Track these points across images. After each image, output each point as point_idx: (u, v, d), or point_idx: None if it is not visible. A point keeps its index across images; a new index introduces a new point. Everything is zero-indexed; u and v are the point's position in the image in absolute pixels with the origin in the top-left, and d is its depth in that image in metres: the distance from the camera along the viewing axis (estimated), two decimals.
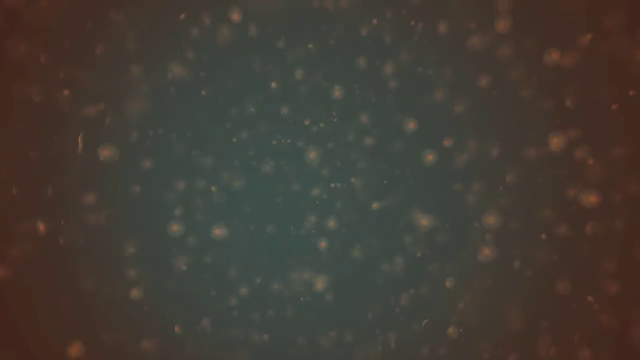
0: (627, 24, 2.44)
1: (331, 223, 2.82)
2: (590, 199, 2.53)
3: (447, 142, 2.69)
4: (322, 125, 2.80)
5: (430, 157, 2.70)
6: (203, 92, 2.78)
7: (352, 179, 2.82)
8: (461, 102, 2.68)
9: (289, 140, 2.81)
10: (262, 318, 2.83)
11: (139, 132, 2.78)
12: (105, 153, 2.71)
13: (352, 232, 2.83)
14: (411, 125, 2.72)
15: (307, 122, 2.81)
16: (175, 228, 2.80)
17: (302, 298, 2.83)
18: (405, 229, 2.79)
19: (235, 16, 2.73)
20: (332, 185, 2.82)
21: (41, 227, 2.70)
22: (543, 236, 2.63)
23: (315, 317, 2.84)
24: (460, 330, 2.68)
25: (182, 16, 2.71)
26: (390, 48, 2.69)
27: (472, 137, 2.70)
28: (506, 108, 2.64)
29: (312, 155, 2.79)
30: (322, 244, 2.83)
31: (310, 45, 2.75)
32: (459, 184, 2.73)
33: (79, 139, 2.69)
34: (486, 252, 2.69)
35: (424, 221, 2.74)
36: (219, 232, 2.82)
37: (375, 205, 2.81)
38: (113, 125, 2.75)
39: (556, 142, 2.57)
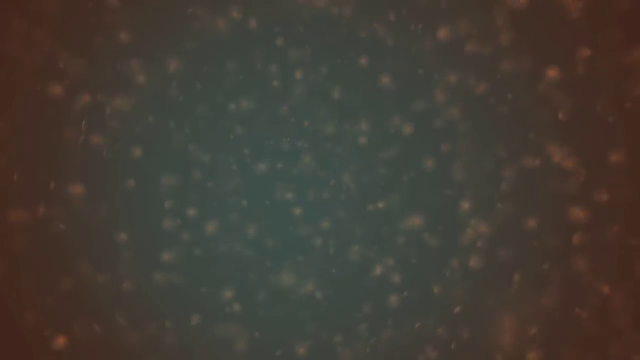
0: (624, 39, 2.48)
1: (325, 223, 2.84)
2: (579, 213, 2.57)
3: (444, 147, 2.72)
4: (320, 125, 2.82)
5: (427, 163, 2.73)
6: (199, 86, 2.79)
7: (348, 181, 2.83)
8: (459, 109, 2.70)
9: (288, 139, 2.83)
10: (253, 316, 2.83)
11: (136, 124, 2.78)
12: (100, 142, 2.72)
13: (345, 234, 2.84)
14: (408, 129, 2.74)
15: (305, 123, 2.82)
16: (169, 223, 2.81)
17: (293, 297, 2.84)
18: (397, 232, 2.81)
19: (235, 13, 2.75)
20: (325, 186, 2.84)
21: (32, 216, 2.70)
22: (534, 244, 2.66)
23: (304, 317, 2.84)
24: (450, 335, 2.70)
25: (190, 10, 2.72)
26: (390, 51, 2.72)
27: (468, 144, 2.72)
28: (503, 117, 2.67)
29: (309, 155, 2.81)
30: (315, 245, 2.84)
31: (309, 47, 2.77)
32: (454, 190, 2.75)
33: (82, 127, 2.69)
34: (477, 259, 2.72)
35: (417, 222, 2.77)
36: (211, 228, 2.83)
37: (370, 207, 2.83)
38: (112, 116, 2.75)
39: (553, 152, 2.60)
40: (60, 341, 2.65)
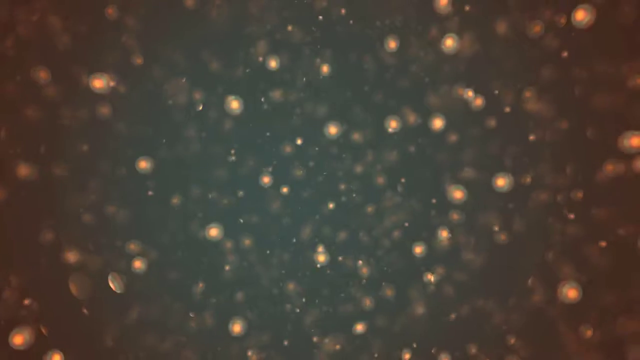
0: (622, 66, 2.56)
1: (313, 223, 2.86)
2: (564, 228, 2.64)
3: (437, 156, 2.77)
4: (317, 125, 2.84)
5: (421, 170, 2.78)
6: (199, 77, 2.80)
7: (339, 182, 2.86)
8: (455, 119, 2.76)
9: (285, 136, 2.84)
10: (231, 310, 2.83)
11: (131, 109, 2.77)
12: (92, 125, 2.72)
13: (333, 233, 2.86)
14: (404, 134, 2.79)
15: (304, 123, 2.84)
16: (156, 209, 2.80)
17: (274, 291, 2.85)
18: (383, 236, 2.85)
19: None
20: (316, 186, 2.85)
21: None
22: (519, 256, 2.72)
23: (285, 314, 2.85)
24: (429, 340, 2.74)
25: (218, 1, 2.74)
26: (393, 56, 2.76)
27: (461, 154, 2.78)
28: (498, 130, 2.74)
29: (304, 153, 2.83)
30: (302, 243, 2.86)
31: (311, 46, 2.80)
32: (443, 198, 2.80)
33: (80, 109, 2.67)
34: (459, 268, 2.77)
35: (403, 228, 2.81)
36: (197, 219, 2.82)
37: (359, 211, 2.86)
38: (108, 99, 2.74)
39: (543, 169, 2.68)
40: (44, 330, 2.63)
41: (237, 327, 2.78)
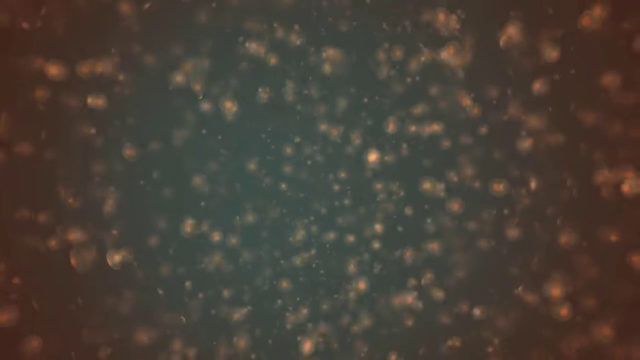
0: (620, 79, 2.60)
1: (304, 222, 2.87)
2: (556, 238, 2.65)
3: (428, 162, 2.79)
4: (314, 124, 2.86)
5: (414, 174, 2.80)
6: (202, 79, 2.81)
7: (332, 183, 2.88)
8: (451, 126, 2.78)
9: (283, 134, 2.86)
10: (215, 302, 2.83)
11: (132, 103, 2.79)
12: (98, 102, 2.72)
13: (323, 232, 2.88)
14: (399, 138, 2.82)
15: (303, 123, 2.87)
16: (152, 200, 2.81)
17: (264, 289, 2.85)
18: (373, 240, 2.86)
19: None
20: (308, 185, 2.87)
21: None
22: (507, 266, 2.73)
23: (273, 314, 2.85)
24: (414, 345, 2.74)
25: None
26: (396, 61, 2.80)
27: (455, 162, 2.80)
28: (492, 140, 2.76)
29: (301, 152, 2.85)
30: (294, 241, 2.86)
31: (329, 48, 2.82)
32: (433, 205, 2.81)
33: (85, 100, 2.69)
34: (447, 274, 2.78)
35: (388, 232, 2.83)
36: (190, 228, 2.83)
37: (352, 212, 2.87)
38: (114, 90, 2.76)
39: (533, 185, 2.70)
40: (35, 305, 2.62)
41: (231, 318, 2.79)
